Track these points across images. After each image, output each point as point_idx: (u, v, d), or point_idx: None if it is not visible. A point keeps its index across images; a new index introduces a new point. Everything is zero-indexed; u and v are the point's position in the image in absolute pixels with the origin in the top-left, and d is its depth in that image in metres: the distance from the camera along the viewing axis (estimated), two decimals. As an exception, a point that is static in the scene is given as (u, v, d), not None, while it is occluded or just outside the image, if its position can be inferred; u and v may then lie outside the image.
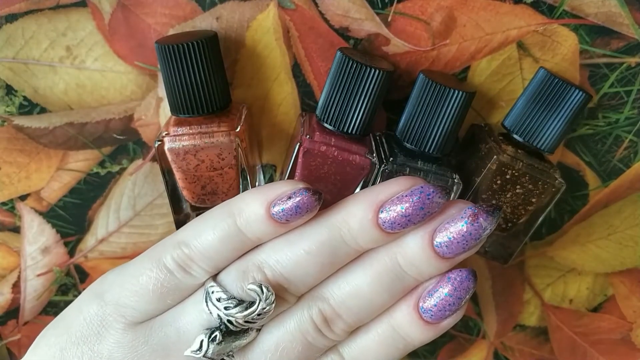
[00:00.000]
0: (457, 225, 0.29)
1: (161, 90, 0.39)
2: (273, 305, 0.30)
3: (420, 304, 0.31)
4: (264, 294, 0.30)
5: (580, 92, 0.34)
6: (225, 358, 0.31)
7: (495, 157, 0.35)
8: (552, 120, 0.35)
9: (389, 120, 0.39)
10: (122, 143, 0.40)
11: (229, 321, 0.30)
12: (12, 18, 0.37)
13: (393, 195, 0.30)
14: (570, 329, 0.46)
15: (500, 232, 0.39)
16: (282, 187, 0.30)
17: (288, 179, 0.35)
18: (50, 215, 0.42)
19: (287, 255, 0.30)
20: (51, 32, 0.37)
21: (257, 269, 0.31)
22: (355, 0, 0.36)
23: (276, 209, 0.30)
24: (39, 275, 0.45)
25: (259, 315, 0.30)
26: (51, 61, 0.38)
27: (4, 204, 0.42)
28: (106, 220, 0.43)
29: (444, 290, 0.30)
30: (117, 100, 0.39)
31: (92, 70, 0.38)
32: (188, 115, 0.35)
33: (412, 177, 0.30)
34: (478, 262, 0.44)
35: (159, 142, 0.35)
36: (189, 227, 0.32)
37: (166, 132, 0.35)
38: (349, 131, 0.35)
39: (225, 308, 0.30)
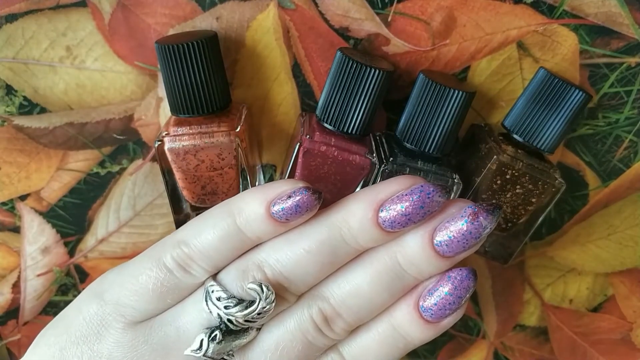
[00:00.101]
0: (457, 224, 0.29)
1: (161, 90, 0.39)
2: (273, 304, 0.30)
3: (421, 303, 0.31)
4: (264, 293, 0.30)
5: (580, 92, 0.34)
6: (225, 357, 0.31)
7: (495, 157, 0.35)
8: (552, 120, 0.35)
9: (389, 120, 0.39)
10: (122, 143, 0.40)
11: (229, 320, 0.30)
12: (12, 18, 0.37)
13: (393, 194, 0.30)
14: (570, 329, 0.46)
15: (500, 232, 0.39)
16: (282, 186, 0.30)
17: (288, 178, 0.35)
18: (50, 215, 0.42)
19: (287, 255, 0.30)
20: (51, 32, 0.37)
21: (257, 268, 0.31)
22: (355, 0, 0.36)
23: (276, 208, 0.30)
24: (39, 275, 0.45)
25: (259, 314, 0.30)
26: (51, 61, 0.38)
27: (4, 204, 0.42)
28: (106, 220, 0.43)
29: (444, 289, 0.30)
30: (117, 100, 0.39)
31: (92, 70, 0.38)
32: (188, 115, 0.35)
33: (412, 176, 0.30)
34: (478, 261, 0.44)
35: (159, 142, 0.35)
36: (188, 226, 0.32)
37: (166, 132, 0.35)
38: (349, 131, 0.35)
39: (225, 307, 0.30)
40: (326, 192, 0.36)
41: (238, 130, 0.35)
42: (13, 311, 0.46)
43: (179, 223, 0.39)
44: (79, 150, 0.40)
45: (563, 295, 0.44)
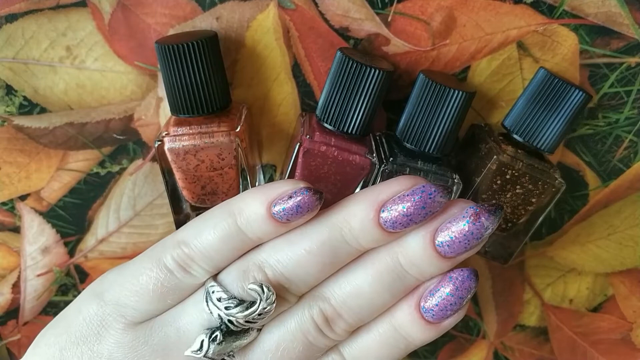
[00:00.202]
0: (458, 225, 0.29)
1: (161, 90, 0.39)
2: (274, 305, 0.30)
3: (422, 304, 0.31)
4: (265, 294, 0.30)
5: (580, 92, 0.34)
6: (225, 358, 0.31)
7: (495, 157, 0.35)
8: (552, 120, 0.35)
9: (389, 120, 0.39)
10: (122, 143, 0.40)
11: (229, 321, 0.30)
12: (12, 18, 0.37)
13: (394, 195, 0.30)
14: (570, 329, 0.46)
15: (500, 232, 0.39)
16: (282, 187, 0.30)
17: (288, 178, 0.35)
18: (50, 215, 0.42)
19: (288, 255, 0.30)
20: (51, 32, 0.37)
21: (257, 269, 0.31)
22: (355, 0, 0.36)
23: (277, 208, 0.30)
24: (39, 275, 0.44)
25: (259, 315, 0.30)
26: (51, 61, 0.38)
27: (4, 204, 0.42)
28: (106, 220, 0.43)
29: (446, 289, 0.30)
30: (117, 100, 0.39)
31: (92, 70, 0.38)
32: (188, 115, 0.35)
33: (413, 177, 0.30)
34: (478, 262, 0.44)
35: (159, 142, 0.35)
36: (189, 226, 0.32)
37: (166, 132, 0.35)
38: (349, 131, 0.35)
39: (226, 308, 0.30)
40: (326, 192, 0.36)
41: (238, 130, 0.35)
42: (13, 311, 0.46)
43: (179, 223, 0.39)
44: (79, 150, 0.40)
45: (563, 295, 0.44)
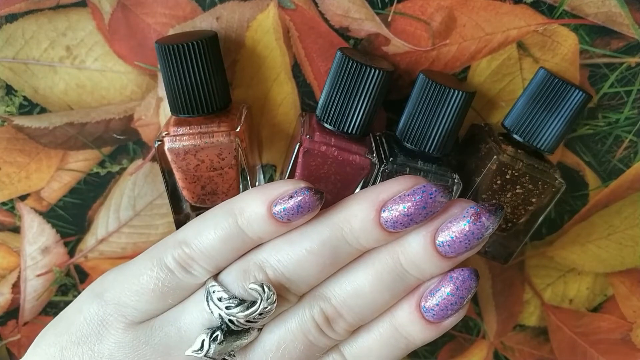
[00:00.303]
0: (459, 225, 0.29)
1: (161, 90, 0.39)
2: (274, 304, 0.30)
3: (422, 304, 0.31)
4: (266, 294, 0.30)
5: (580, 92, 0.34)
6: (226, 358, 0.31)
7: (495, 157, 0.35)
8: (552, 120, 0.35)
9: (389, 120, 0.39)
10: (122, 143, 0.40)
11: (230, 321, 0.30)
12: (12, 18, 0.37)
13: (395, 195, 0.30)
14: (570, 329, 0.46)
15: (500, 232, 0.39)
16: (283, 186, 0.30)
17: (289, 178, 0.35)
18: (50, 215, 0.42)
19: (289, 255, 0.30)
20: (51, 32, 0.37)
21: (258, 269, 0.31)
22: (355, 0, 0.36)
23: (278, 208, 0.30)
24: (38, 275, 0.44)
25: (260, 314, 0.30)
26: (51, 61, 0.38)
27: (4, 204, 0.42)
28: (106, 220, 0.43)
29: (446, 289, 0.30)
30: (117, 100, 0.39)
31: (92, 70, 0.38)
32: (188, 115, 0.35)
33: (414, 177, 0.30)
34: (478, 262, 0.44)
35: (159, 142, 0.35)
36: (189, 226, 0.32)
37: (166, 132, 0.35)
38: (349, 131, 0.35)
39: (227, 308, 0.30)
40: (326, 192, 0.36)
41: (238, 130, 0.35)
42: (13, 311, 0.46)
43: (179, 223, 0.39)
44: (79, 150, 0.40)
45: (563, 295, 0.44)
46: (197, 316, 0.31)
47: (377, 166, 0.35)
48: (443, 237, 0.29)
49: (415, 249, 0.30)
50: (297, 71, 0.38)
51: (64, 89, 0.39)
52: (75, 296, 0.43)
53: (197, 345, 0.30)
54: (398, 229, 0.29)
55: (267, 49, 0.38)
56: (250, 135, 0.38)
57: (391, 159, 0.35)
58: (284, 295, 0.31)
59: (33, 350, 0.34)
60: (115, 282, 0.32)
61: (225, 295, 0.30)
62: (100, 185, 0.42)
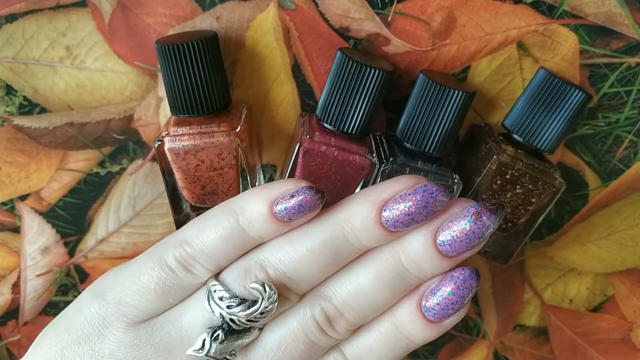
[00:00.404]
0: (460, 224, 0.29)
1: (161, 90, 0.39)
2: (275, 304, 0.30)
3: (423, 303, 0.31)
4: (267, 293, 0.30)
5: (580, 92, 0.34)
6: (227, 357, 0.31)
7: (495, 157, 0.35)
8: (552, 120, 0.35)
9: (389, 120, 0.39)
10: (122, 143, 0.40)
11: (231, 320, 0.30)
12: (12, 18, 0.37)
13: (396, 194, 0.30)
14: (570, 329, 0.46)
15: (500, 232, 0.39)
16: (284, 186, 0.30)
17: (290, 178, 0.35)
18: (50, 215, 0.42)
19: (290, 254, 0.30)
20: (51, 32, 0.37)
21: (259, 268, 0.31)
22: (355, 0, 0.36)
23: (279, 207, 0.30)
24: (38, 275, 0.44)
25: (261, 314, 0.30)
26: (51, 61, 0.38)
27: (4, 204, 0.42)
28: (106, 220, 0.43)
29: (447, 289, 0.30)
30: (117, 100, 0.39)
31: (92, 70, 0.38)
32: (188, 115, 0.35)
33: (415, 176, 0.30)
34: (478, 262, 0.44)
35: (159, 142, 0.35)
36: (190, 225, 0.32)
37: (166, 132, 0.35)
38: (349, 131, 0.35)
39: (228, 307, 0.30)
40: (326, 192, 0.36)
41: (238, 130, 0.35)
42: (13, 311, 0.46)
43: (179, 223, 0.39)
44: (79, 150, 0.40)
45: (563, 295, 0.45)
46: (198, 315, 0.31)
47: (377, 166, 0.35)
48: (444, 236, 0.29)
49: (416, 248, 0.30)
50: (297, 71, 0.38)
51: (64, 89, 0.39)
52: (75, 296, 0.43)
53: (198, 344, 0.30)
54: (399, 228, 0.29)
55: (267, 49, 0.38)
56: (250, 135, 0.38)
57: (391, 159, 0.35)
58: (285, 294, 0.31)
59: (33, 350, 0.33)
60: (116, 281, 0.32)
61: (226, 295, 0.30)
62: (100, 185, 0.42)
